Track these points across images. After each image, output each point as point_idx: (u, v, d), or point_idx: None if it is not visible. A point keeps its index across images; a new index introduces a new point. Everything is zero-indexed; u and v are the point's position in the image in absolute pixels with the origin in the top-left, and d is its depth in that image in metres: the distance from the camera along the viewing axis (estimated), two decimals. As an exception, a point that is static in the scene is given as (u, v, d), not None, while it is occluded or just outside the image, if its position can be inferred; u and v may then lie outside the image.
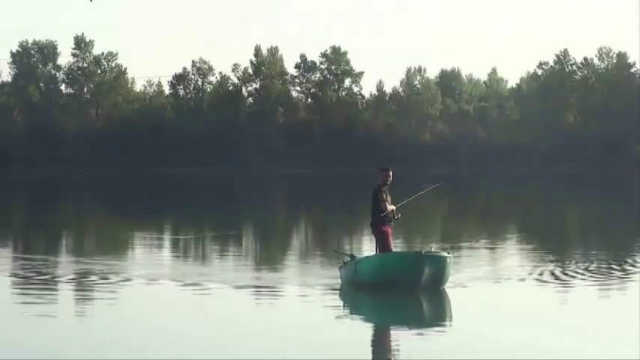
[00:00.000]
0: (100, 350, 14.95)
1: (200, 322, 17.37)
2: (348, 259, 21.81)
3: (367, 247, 30.96)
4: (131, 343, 15.54)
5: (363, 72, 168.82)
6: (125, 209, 60.72)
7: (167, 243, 34.85)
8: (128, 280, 22.89)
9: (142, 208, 61.58)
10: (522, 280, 22.61)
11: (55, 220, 50.23)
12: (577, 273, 23.48)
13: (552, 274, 23.40)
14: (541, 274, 23.32)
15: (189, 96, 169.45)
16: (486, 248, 31.07)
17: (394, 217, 21.60)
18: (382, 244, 21.42)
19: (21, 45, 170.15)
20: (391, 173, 21.80)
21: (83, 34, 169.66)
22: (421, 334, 16.50)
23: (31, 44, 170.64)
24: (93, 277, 23.05)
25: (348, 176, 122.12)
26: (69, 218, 52.12)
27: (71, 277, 23.32)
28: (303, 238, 38.74)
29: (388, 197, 21.64)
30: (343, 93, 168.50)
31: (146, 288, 21.90)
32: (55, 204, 68.49)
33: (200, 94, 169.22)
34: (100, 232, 42.58)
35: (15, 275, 24.12)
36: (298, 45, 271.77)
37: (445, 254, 20.76)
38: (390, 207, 21.50)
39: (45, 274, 23.66)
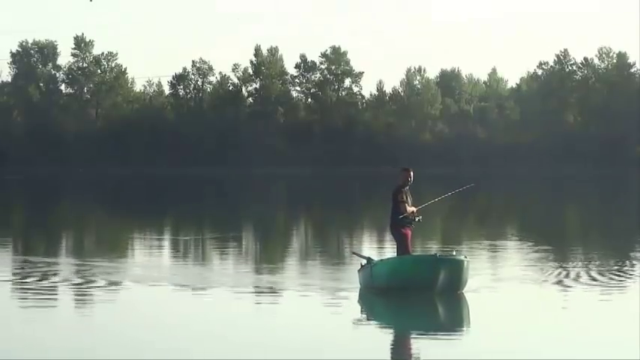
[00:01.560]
0: (100, 351, 14.90)
1: (201, 324, 17.29)
2: (366, 262, 21.32)
3: (367, 247, 30.92)
4: (131, 344, 15.49)
5: (363, 72, 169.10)
6: (125, 209, 60.69)
7: (167, 244, 34.79)
8: (127, 281, 22.83)
9: (141, 209, 61.54)
10: (539, 282, 22.40)
11: (54, 220, 50.18)
12: (590, 275, 23.24)
13: (568, 277, 23.14)
14: (557, 277, 23.07)
15: (189, 96, 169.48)
16: (498, 251, 30.77)
17: (414, 219, 21.02)
18: (401, 246, 20.93)
19: (21, 45, 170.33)
20: (412, 173, 21.20)
21: (83, 34, 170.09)
22: (436, 338, 16.33)
23: (31, 44, 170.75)
24: (92, 279, 22.98)
25: (348, 176, 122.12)
26: (68, 218, 52.06)
27: (70, 278, 23.24)
28: (304, 239, 38.66)
29: (409, 198, 21.03)
30: (343, 93, 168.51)
31: (146, 289, 21.82)
32: (54, 204, 68.43)
33: (200, 94, 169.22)
34: (99, 232, 42.52)
35: (14, 276, 24.06)
36: (298, 45, 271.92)
37: (462, 258, 20.36)
38: (410, 209, 20.87)
39: (44, 275, 23.57)
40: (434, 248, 29.56)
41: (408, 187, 21.14)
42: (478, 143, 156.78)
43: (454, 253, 21.38)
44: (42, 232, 41.23)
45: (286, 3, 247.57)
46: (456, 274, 20.05)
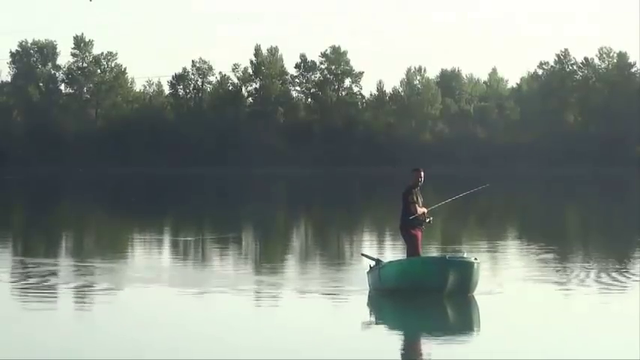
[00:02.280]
0: (99, 351, 14.87)
1: (201, 325, 17.24)
2: (375, 264, 21.07)
3: (367, 247, 30.86)
4: (130, 345, 15.45)
5: (363, 72, 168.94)
6: (125, 209, 60.62)
7: (166, 244, 34.75)
8: (127, 282, 22.81)
9: (141, 209, 61.49)
10: (548, 284, 22.30)
11: (54, 220, 50.12)
12: (596, 277, 23.14)
13: (575, 278, 23.05)
14: (564, 279, 22.99)
15: (189, 96, 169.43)
16: (503, 252, 30.56)
17: (425, 220, 20.79)
18: (411, 247, 20.72)
19: (21, 45, 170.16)
20: (423, 174, 20.96)
21: (83, 34, 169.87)
22: (445, 340, 16.24)
23: (31, 44, 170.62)
24: (92, 279, 22.96)
25: (348, 176, 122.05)
26: (68, 219, 52.00)
27: (70, 278, 23.22)
28: (304, 239, 38.61)
29: (419, 199, 20.80)
30: (343, 93, 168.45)
31: (145, 290, 21.79)
32: (54, 204, 68.38)
33: (200, 94, 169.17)
34: (99, 233, 42.48)
35: (13, 276, 24.02)
36: (298, 45, 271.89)
37: (472, 260, 20.04)
38: (421, 210, 20.67)
39: (44, 276, 23.54)
40: (436, 250, 29.49)
41: (418, 188, 20.92)
42: (478, 143, 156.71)
43: (464, 254, 21.09)
44: (42, 232, 41.20)
45: (286, 3, 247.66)
46: (465, 276, 19.77)
